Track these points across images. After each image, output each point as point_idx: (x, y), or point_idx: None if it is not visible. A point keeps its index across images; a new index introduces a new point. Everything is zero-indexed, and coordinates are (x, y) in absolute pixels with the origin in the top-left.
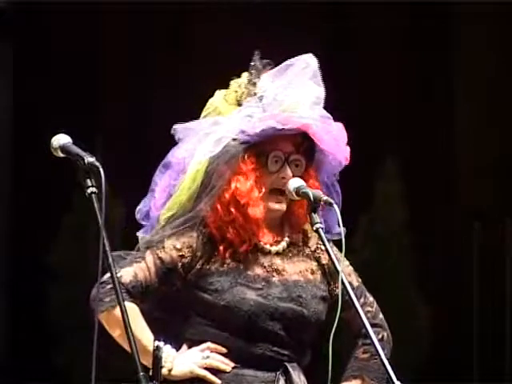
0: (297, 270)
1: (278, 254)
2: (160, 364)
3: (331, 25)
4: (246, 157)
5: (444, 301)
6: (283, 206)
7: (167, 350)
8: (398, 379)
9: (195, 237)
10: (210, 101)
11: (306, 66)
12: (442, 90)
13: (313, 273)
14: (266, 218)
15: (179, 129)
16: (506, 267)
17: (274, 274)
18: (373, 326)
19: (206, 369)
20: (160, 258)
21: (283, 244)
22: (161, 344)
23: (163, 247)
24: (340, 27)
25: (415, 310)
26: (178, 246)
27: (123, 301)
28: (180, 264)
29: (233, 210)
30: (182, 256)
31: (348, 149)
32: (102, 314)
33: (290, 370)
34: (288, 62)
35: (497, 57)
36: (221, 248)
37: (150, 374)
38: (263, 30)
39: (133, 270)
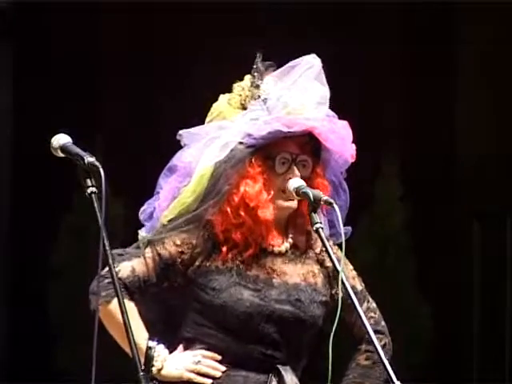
0: (298, 272)
1: (280, 254)
2: (151, 363)
3: (331, 24)
4: (253, 160)
5: (444, 301)
6: (293, 204)
7: (159, 350)
8: (398, 379)
9: (196, 234)
10: (215, 105)
11: (309, 66)
12: (442, 89)
13: (314, 276)
14: (274, 219)
15: (184, 134)
16: (506, 267)
17: (275, 275)
18: (375, 332)
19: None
20: (159, 254)
21: (286, 245)
22: (154, 344)
23: (163, 243)
24: (340, 26)
25: (415, 310)
26: (178, 242)
27: (122, 298)
28: (179, 260)
29: (242, 213)
30: (182, 252)
31: (354, 146)
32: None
33: (283, 372)
34: (291, 63)
35: (499, 56)
36: (224, 249)
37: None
38: (265, 31)
39: (131, 265)
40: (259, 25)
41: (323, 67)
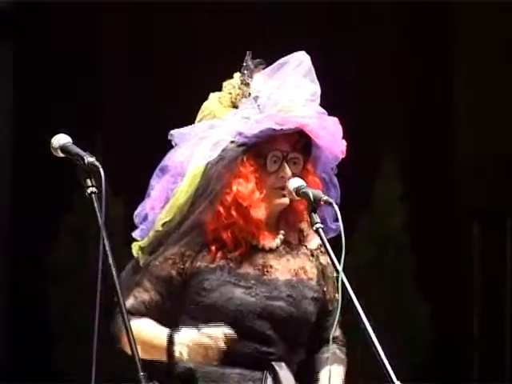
0: (289, 268)
1: (271, 250)
2: (173, 357)
3: (330, 24)
4: (244, 159)
5: (444, 301)
6: (286, 200)
7: (178, 337)
8: (398, 379)
9: (183, 241)
10: (205, 104)
11: (299, 63)
12: (441, 89)
13: (306, 272)
14: (266, 217)
15: (175, 134)
16: (506, 267)
17: (265, 271)
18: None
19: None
20: (156, 277)
21: (277, 241)
22: (173, 334)
23: (156, 265)
24: (339, 26)
25: (415, 310)
26: (167, 256)
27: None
28: (175, 272)
29: (234, 213)
30: (174, 262)
31: (344, 142)
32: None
33: (277, 368)
34: (281, 60)
35: (497, 55)
36: (213, 248)
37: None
38: (265, 30)
39: (132, 294)
40: (259, 25)
41: (322, 66)
